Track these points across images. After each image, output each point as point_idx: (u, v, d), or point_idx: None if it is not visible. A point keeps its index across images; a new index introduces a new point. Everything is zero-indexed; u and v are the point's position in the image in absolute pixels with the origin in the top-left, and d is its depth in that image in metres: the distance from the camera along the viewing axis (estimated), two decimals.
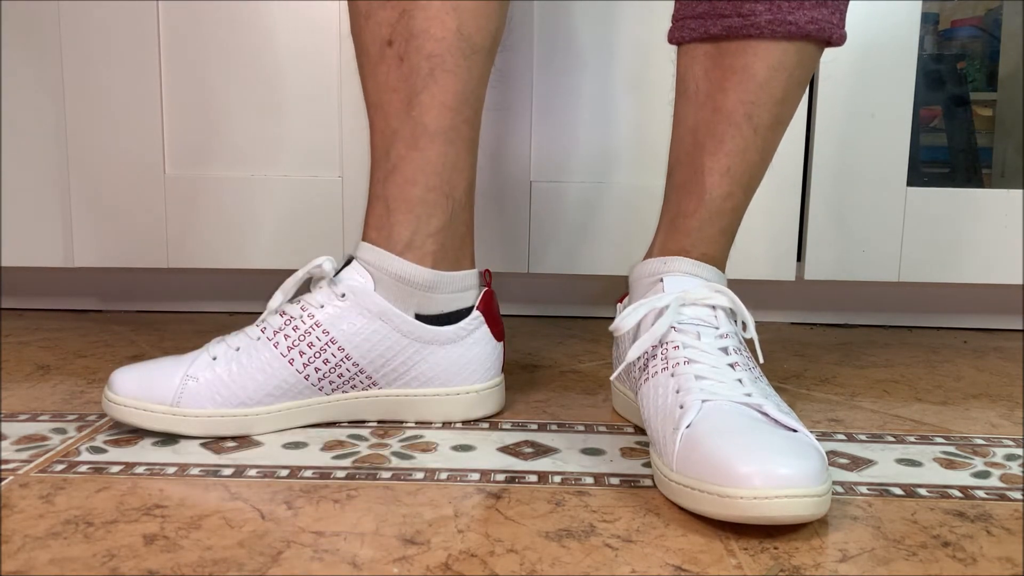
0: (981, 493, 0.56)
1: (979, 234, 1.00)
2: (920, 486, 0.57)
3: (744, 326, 0.61)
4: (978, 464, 0.62)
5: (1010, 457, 0.63)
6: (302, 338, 0.64)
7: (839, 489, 0.56)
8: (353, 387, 0.67)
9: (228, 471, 0.57)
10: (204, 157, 1.02)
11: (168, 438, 0.63)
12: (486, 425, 0.68)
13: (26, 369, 0.82)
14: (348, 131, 1.00)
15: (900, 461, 0.62)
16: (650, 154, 1.01)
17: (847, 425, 0.69)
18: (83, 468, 0.57)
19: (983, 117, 1.27)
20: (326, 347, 0.64)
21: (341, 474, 0.57)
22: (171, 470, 0.57)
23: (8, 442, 0.62)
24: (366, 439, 0.64)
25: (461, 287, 0.69)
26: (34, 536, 0.47)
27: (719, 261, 0.66)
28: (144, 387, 0.62)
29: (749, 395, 0.55)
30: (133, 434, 0.64)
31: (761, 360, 0.62)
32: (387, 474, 0.57)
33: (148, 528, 0.48)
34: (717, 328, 0.60)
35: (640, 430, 0.67)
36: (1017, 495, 0.56)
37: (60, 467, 0.57)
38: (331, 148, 1.01)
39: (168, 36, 0.99)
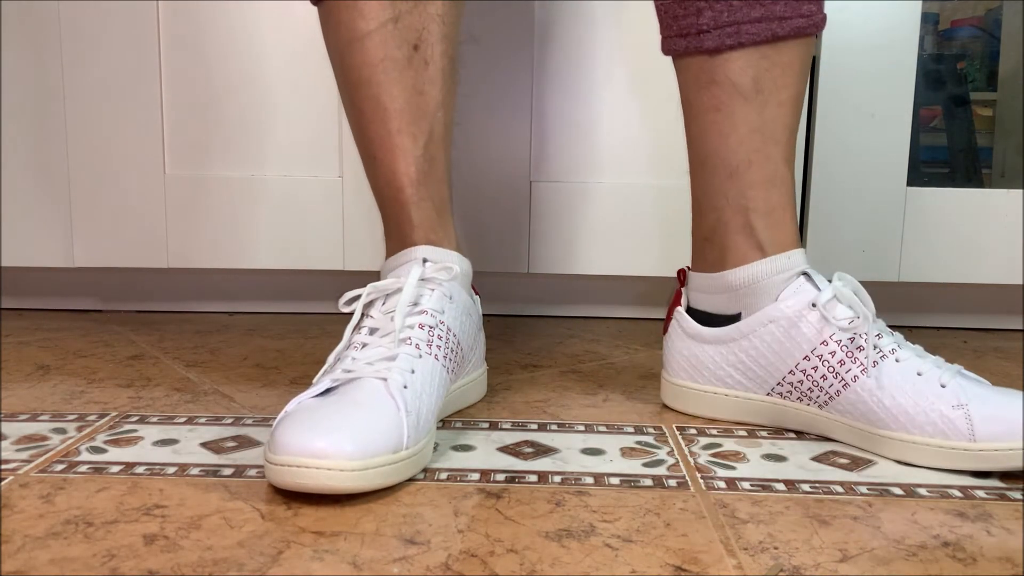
0: (981, 493, 0.56)
1: (979, 234, 1.00)
2: (920, 486, 0.57)
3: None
4: None
5: None
6: (447, 344, 0.65)
7: (839, 489, 0.56)
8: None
9: (228, 471, 0.57)
10: (204, 157, 1.02)
11: (168, 438, 0.63)
12: (486, 425, 0.68)
13: (26, 369, 0.82)
14: (348, 131, 1.00)
15: (900, 461, 0.62)
16: (650, 154, 1.01)
17: None
18: (83, 468, 0.57)
19: (983, 117, 1.27)
20: (457, 349, 0.67)
21: None
22: (171, 470, 0.57)
23: (8, 442, 0.62)
24: None
25: None
26: (34, 536, 0.47)
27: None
28: (371, 441, 0.53)
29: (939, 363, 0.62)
30: (133, 434, 0.64)
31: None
32: None
33: (148, 528, 0.48)
34: (868, 318, 0.63)
35: (640, 430, 0.67)
36: (1017, 495, 0.56)
37: (60, 467, 0.57)
38: (331, 148, 1.01)
39: (168, 36, 1.00)
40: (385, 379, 0.58)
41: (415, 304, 0.64)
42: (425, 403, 0.59)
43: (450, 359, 0.65)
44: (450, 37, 0.69)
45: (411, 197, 0.68)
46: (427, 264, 0.66)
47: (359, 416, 0.54)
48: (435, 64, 0.68)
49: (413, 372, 0.59)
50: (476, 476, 0.57)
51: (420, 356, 0.61)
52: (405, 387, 0.58)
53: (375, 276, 0.69)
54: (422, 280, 0.65)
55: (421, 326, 0.63)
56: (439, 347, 0.63)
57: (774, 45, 0.66)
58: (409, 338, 0.61)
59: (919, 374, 0.61)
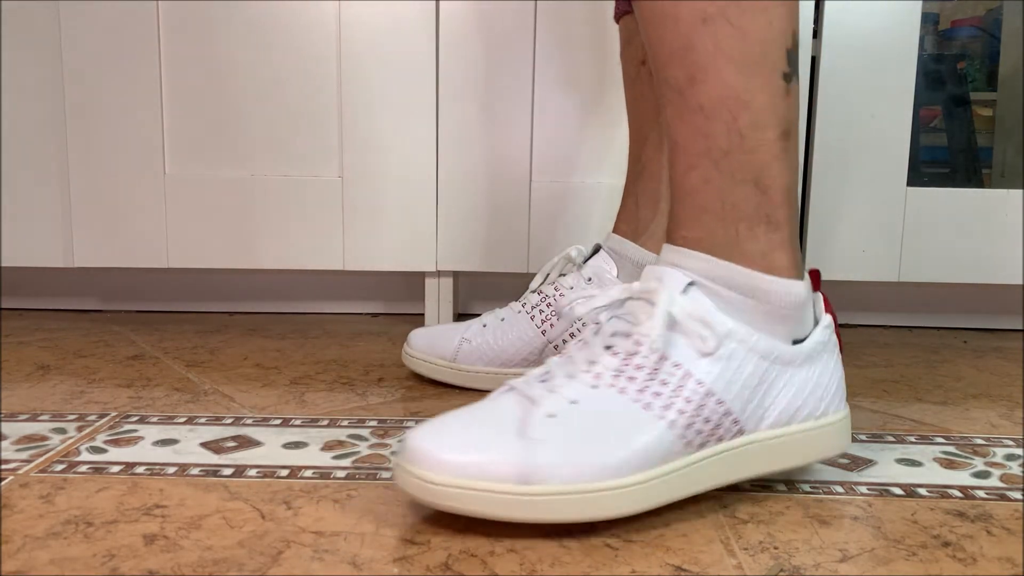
0: (981, 493, 0.56)
1: (979, 234, 1.00)
2: (920, 486, 0.57)
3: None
4: (978, 464, 0.61)
5: (1010, 457, 0.63)
6: (553, 314, 0.75)
7: (839, 489, 0.56)
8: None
9: (228, 471, 0.57)
10: (204, 157, 1.02)
11: (168, 438, 0.63)
12: None
13: (26, 369, 0.82)
14: (348, 131, 1.00)
15: (900, 461, 0.62)
16: None
17: None
18: (83, 468, 0.57)
19: (983, 117, 1.27)
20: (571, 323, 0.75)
21: (341, 474, 0.57)
22: (171, 470, 0.57)
23: (8, 442, 0.62)
24: (366, 439, 0.64)
25: None
26: (34, 536, 0.47)
27: (706, 243, 0.54)
28: (430, 344, 0.76)
29: (545, 376, 0.53)
30: (133, 434, 0.64)
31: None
32: (387, 474, 0.57)
33: (148, 528, 0.48)
34: (632, 324, 0.53)
35: None
36: (1017, 495, 0.56)
37: (60, 467, 0.57)
38: (331, 148, 1.01)
39: (168, 36, 1.00)
40: (482, 318, 0.77)
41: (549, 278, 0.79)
42: (501, 345, 0.74)
43: (551, 324, 0.75)
44: None
45: (623, 193, 0.78)
46: (573, 250, 0.78)
47: (439, 329, 0.77)
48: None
49: (503, 320, 0.76)
50: None
51: (518, 312, 0.76)
52: (485, 326, 0.75)
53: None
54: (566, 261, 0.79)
55: (539, 292, 0.77)
56: (541, 311, 0.75)
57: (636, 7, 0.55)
58: (525, 300, 0.77)
59: None
